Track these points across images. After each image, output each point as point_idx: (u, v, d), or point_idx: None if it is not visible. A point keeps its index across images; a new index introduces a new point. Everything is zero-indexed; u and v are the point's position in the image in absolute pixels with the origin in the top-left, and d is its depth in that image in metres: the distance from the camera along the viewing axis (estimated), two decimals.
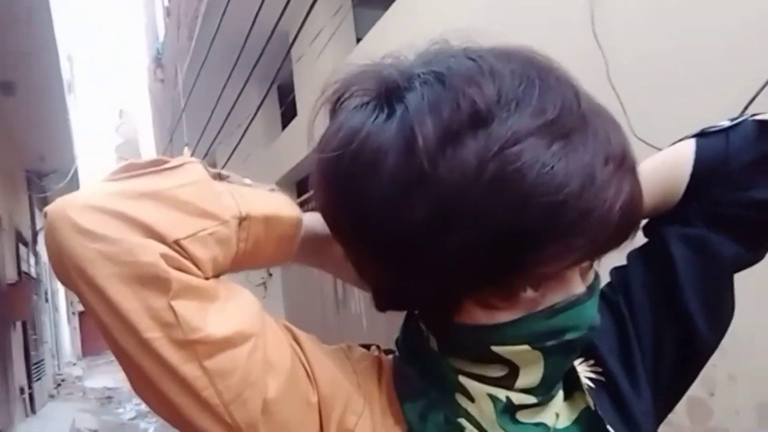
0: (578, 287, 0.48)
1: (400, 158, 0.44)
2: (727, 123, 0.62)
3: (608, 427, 0.53)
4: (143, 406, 8.43)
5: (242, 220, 0.47)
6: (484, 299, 0.47)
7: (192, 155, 6.82)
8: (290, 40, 5.80)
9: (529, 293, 0.47)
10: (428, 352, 0.54)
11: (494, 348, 0.48)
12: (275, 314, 0.53)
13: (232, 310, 0.45)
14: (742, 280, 2.22)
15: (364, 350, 0.58)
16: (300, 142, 6.91)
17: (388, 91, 0.48)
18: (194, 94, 7.91)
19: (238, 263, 0.49)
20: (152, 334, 0.42)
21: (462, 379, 0.52)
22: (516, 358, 0.49)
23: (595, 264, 0.51)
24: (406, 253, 0.46)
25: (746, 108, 2.12)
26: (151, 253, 0.41)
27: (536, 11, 3.05)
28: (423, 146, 0.43)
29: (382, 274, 0.50)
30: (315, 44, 5.78)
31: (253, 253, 0.50)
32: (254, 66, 5.71)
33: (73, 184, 11.09)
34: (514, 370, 0.50)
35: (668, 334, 0.59)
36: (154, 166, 0.46)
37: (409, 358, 0.56)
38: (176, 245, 0.42)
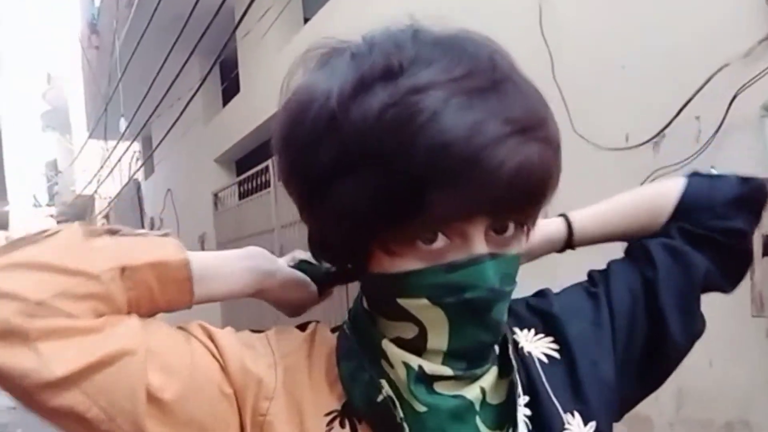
0: (481, 248, 0.49)
1: (320, 106, 0.49)
2: (715, 172, 0.72)
3: (519, 400, 0.55)
4: None
5: (123, 270, 0.50)
6: (386, 245, 0.50)
7: (128, 127, 6.56)
8: (236, 16, 5.65)
9: (430, 245, 0.49)
10: (363, 318, 0.58)
11: (399, 301, 0.52)
12: (211, 312, 0.55)
13: (109, 336, 0.48)
14: None
15: (293, 330, 0.63)
16: (242, 120, 6.77)
17: (328, 55, 0.54)
18: (132, 64, 7.60)
19: (147, 307, 0.53)
20: (26, 380, 0.46)
21: (384, 343, 0.55)
22: (420, 314, 0.51)
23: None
24: (319, 195, 0.50)
25: (682, 109, 2.23)
26: (5, 312, 0.45)
27: (485, 4, 3.08)
28: (337, 95, 0.48)
29: (310, 221, 0.56)
30: (261, 22, 5.65)
31: (151, 297, 0.53)
32: (198, 40, 5.53)
33: None
34: (422, 332, 0.52)
35: (642, 329, 0.64)
36: (36, 236, 0.51)
37: (353, 325, 0.60)
38: (41, 305, 0.46)
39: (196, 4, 5.27)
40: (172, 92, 6.73)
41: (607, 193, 2.92)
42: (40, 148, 24.22)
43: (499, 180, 0.46)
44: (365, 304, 0.58)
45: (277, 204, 6.16)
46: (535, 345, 0.62)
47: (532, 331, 0.63)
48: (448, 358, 0.53)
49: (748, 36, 2.01)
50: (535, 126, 0.49)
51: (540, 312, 0.65)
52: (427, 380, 0.53)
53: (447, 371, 0.53)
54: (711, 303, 2.49)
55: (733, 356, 2.11)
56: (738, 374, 2.10)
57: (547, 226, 0.71)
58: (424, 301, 0.50)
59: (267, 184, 6.36)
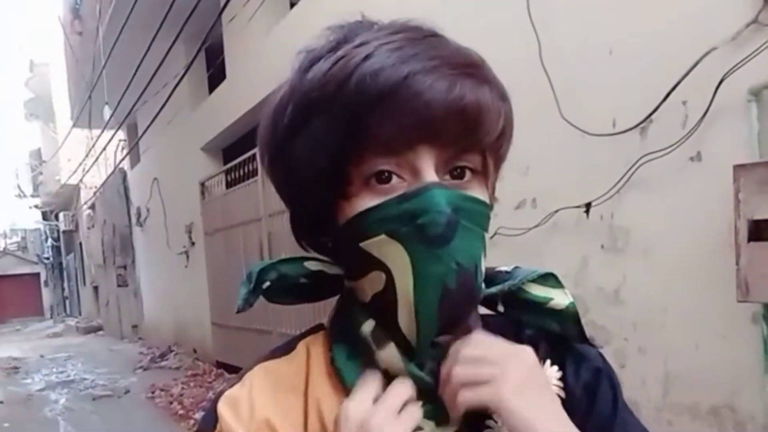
0: (429, 178, 0.51)
1: (287, 84, 0.56)
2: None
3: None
4: (53, 377, 8.10)
5: None
6: (344, 190, 0.53)
7: (112, 115, 6.49)
8: (222, 1, 5.58)
9: (384, 184, 0.51)
10: (347, 305, 0.59)
11: (362, 245, 0.53)
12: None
13: None
14: (657, 254, 2.34)
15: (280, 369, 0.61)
16: (228, 107, 6.70)
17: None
18: (116, 50, 7.49)
19: None
20: None
21: (364, 327, 0.56)
22: (382, 254, 0.52)
23: None
24: (282, 161, 0.55)
25: (669, 94, 2.23)
26: None
27: None
28: (295, 71, 0.55)
29: (285, 199, 0.59)
30: (247, 7, 5.58)
31: None
32: (183, 25, 5.46)
33: None
34: (389, 277, 0.52)
35: None
36: None
37: (336, 322, 0.61)
38: None
39: None
40: (157, 79, 6.65)
41: (594, 178, 2.94)
42: (23, 137, 23.90)
43: (428, 103, 0.49)
44: (345, 281, 0.59)
45: (265, 193, 6.12)
46: (549, 371, 0.59)
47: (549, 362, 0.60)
48: (423, 318, 0.52)
49: (734, 19, 2.01)
50: (466, 65, 0.52)
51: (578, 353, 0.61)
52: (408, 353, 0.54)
53: (404, 374, 0.54)
54: (697, 288, 2.50)
55: (719, 341, 2.13)
56: (724, 359, 2.12)
57: None
58: (383, 237, 0.51)
59: (254, 173, 6.32)
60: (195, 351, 8.65)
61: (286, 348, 0.62)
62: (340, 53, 0.52)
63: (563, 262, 2.62)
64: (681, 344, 2.25)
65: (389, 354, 0.55)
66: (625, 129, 2.39)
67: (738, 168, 1.91)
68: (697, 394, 2.20)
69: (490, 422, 0.55)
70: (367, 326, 0.56)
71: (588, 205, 2.54)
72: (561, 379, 0.59)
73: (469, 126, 0.51)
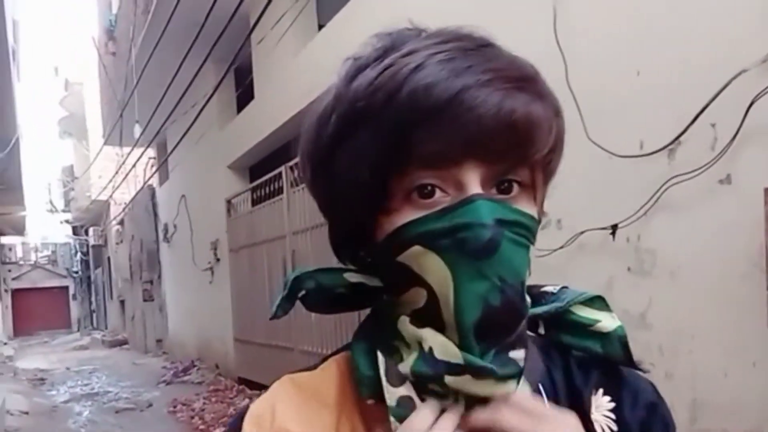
0: (474, 191, 0.49)
1: (331, 93, 0.54)
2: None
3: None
4: (78, 389, 8.19)
5: None
6: (385, 205, 0.51)
7: (143, 133, 6.63)
8: (251, 23, 5.70)
9: (427, 199, 0.50)
10: (382, 311, 0.57)
11: (398, 259, 0.51)
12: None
13: None
14: (685, 277, 2.30)
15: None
16: (256, 127, 6.80)
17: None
18: (147, 71, 7.68)
19: None
20: None
21: (401, 320, 0.53)
22: (421, 268, 0.50)
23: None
24: (325, 172, 0.54)
25: (697, 116, 2.21)
26: None
27: (499, 9, 3.07)
28: (341, 79, 0.54)
29: (326, 213, 0.57)
30: (276, 29, 5.69)
31: None
32: (213, 46, 5.58)
33: (14, 155, 10.62)
34: (430, 293, 0.50)
35: None
36: None
37: (364, 335, 0.58)
38: None
39: (210, 10, 5.32)
40: (187, 98, 6.79)
41: (621, 200, 2.91)
42: (56, 154, 24.50)
43: (479, 118, 0.47)
44: (384, 299, 0.57)
45: (290, 211, 6.17)
46: (599, 400, 0.58)
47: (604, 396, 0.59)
48: (466, 333, 0.49)
49: (765, 42, 1.99)
50: (520, 78, 0.50)
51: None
52: (435, 371, 0.49)
53: (457, 357, 0.48)
54: (726, 312, 2.46)
55: (748, 367, 2.08)
56: (753, 385, 2.06)
57: None
58: (418, 248, 0.49)
59: (280, 191, 6.38)
60: (217, 366, 8.68)
61: (316, 365, 0.61)
62: (387, 62, 0.50)
63: (588, 283, 2.58)
64: (709, 370, 2.20)
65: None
66: (653, 151, 2.37)
67: None
68: (727, 421, 2.14)
69: None
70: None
71: (614, 227, 2.51)
72: (613, 410, 0.57)
73: (519, 141, 0.49)
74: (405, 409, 0.51)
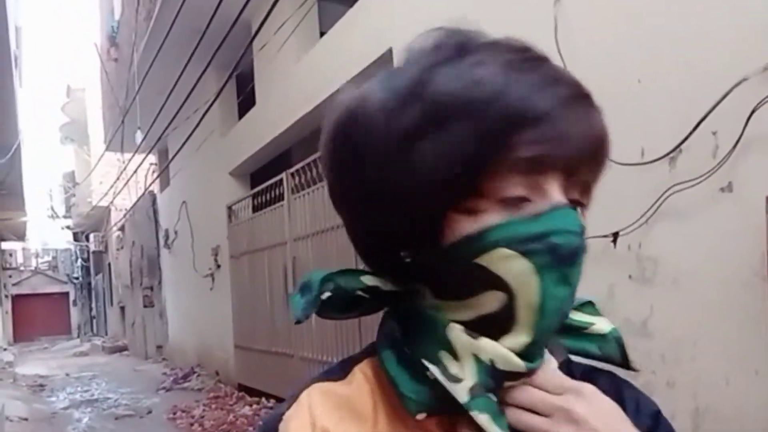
0: (560, 199, 0.50)
1: (404, 83, 0.51)
2: None
3: None
4: (77, 396, 8.18)
5: None
6: (468, 204, 0.49)
7: (144, 139, 6.62)
8: (253, 30, 5.71)
9: (515, 203, 0.49)
10: (420, 315, 0.55)
11: (478, 260, 0.49)
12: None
13: None
14: (686, 285, 2.29)
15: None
16: (257, 133, 6.81)
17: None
18: (149, 77, 7.70)
19: None
20: None
21: (450, 328, 0.52)
22: (505, 271, 0.49)
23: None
24: (392, 159, 0.50)
25: (698, 124, 2.21)
26: None
27: (500, 19, 3.08)
28: (422, 64, 0.51)
29: (369, 211, 0.53)
30: (278, 35, 5.71)
31: None
32: (215, 53, 5.59)
33: (15, 161, 10.64)
34: (510, 297, 0.49)
35: None
36: None
37: (391, 335, 0.56)
38: None
39: (212, 17, 5.34)
40: (188, 105, 6.80)
41: (622, 208, 2.92)
42: (58, 160, 24.54)
43: (576, 131, 0.49)
44: (428, 299, 0.54)
45: (290, 217, 6.17)
46: None
47: None
48: (539, 336, 0.50)
49: (766, 50, 1.99)
50: (589, 94, 0.53)
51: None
52: (496, 381, 0.50)
53: (520, 365, 0.50)
54: (728, 320, 2.44)
55: (750, 375, 2.07)
56: (755, 393, 2.05)
57: None
58: (506, 251, 0.48)
59: (280, 198, 6.38)
60: (217, 373, 8.66)
61: (340, 372, 0.58)
62: (474, 59, 0.50)
63: (589, 291, 2.56)
64: (711, 378, 2.19)
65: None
66: (654, 159, 2.37)
67: None
68: (729, 430, 2.13)
69: None
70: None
71: (615, 235, 2.51)
72: None
73: (599, 155, 0.52)
74: (480, 396, 0.51)
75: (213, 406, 7.02)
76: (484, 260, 0.49)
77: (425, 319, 0.54)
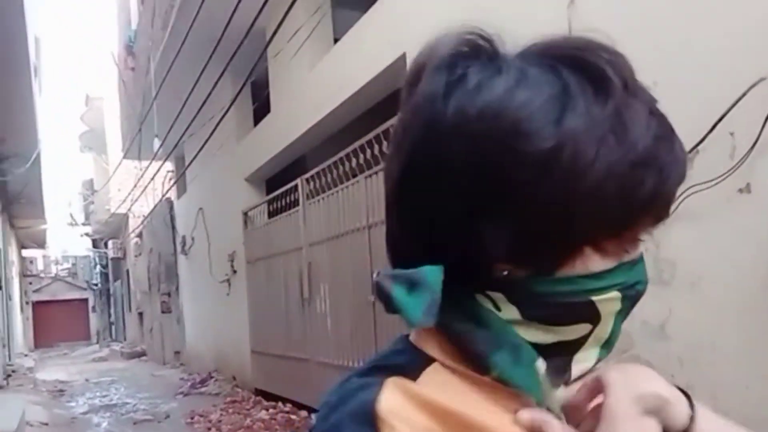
0: (641, 249, 0.56)
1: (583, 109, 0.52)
2: None
3: None
4: (96, 401, 8.25)
5: None
6: (603, 245, 0.51)
7: (161, 147, 6.67)
8: (267, 37, 5.76)
9: (632, 251, 0.54)
10: (493, 327, 0.52)
11: (593, 297, 0.52)
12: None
13: None
14: (705, 287, 2.27)
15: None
16: (272, 140, 6.86)
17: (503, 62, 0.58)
18: (166, 85, 7.79)
19: None
20: None
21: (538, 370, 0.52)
22: (604, 309, 0.53)
23: None
24: (569, 175, 0.47)
25: (716, 125, 2.19)
26: None
27: (513, 19, 3.07)
28: (581, 99, 0.52)
29: (485, 223, 0.49)
30: (292, 42, 5.75)
31: None
32: (230, 60, 5.65)
33: (35, 170, 10.81)
34: (593, 329, 0.53)
35: None
36: None
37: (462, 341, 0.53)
38: None
39: (227, 25, 5.39)
40: (204, 112, 6.87)
41: None
42: (77, 168, 24.87)
43: (671, 200, 0.54)
44: (510, 315, 0.52)
45: (306, 222, 6.20)
46: None
47: None
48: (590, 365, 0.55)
49: None
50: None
51: None
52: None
53: (591, 359, 0.55)
54: (747, 323, 2.41)
55: None
56: None
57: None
58: (617, 294, 0.53)
59: (296, 203, 6.41)
60: (234, 378, 8.70)
61: (410, 369, 0.52)
62: (648, 108, 0.58)
63: None
64: (730, 382, 2.17)
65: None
66: None
67: None
68: None
69: None
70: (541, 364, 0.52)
71: None
72: None
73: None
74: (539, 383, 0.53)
75: (230, 410, 7.05)
76: (598, 298, 0.52)
77: (500, 333, 0.52)
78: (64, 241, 27.84)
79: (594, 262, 0.51)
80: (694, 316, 2.31)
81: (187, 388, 9.06)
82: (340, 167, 5.33)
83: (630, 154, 0.50)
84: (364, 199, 4.92)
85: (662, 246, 2.42)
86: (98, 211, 18.78)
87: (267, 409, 6.69)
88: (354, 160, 5.02)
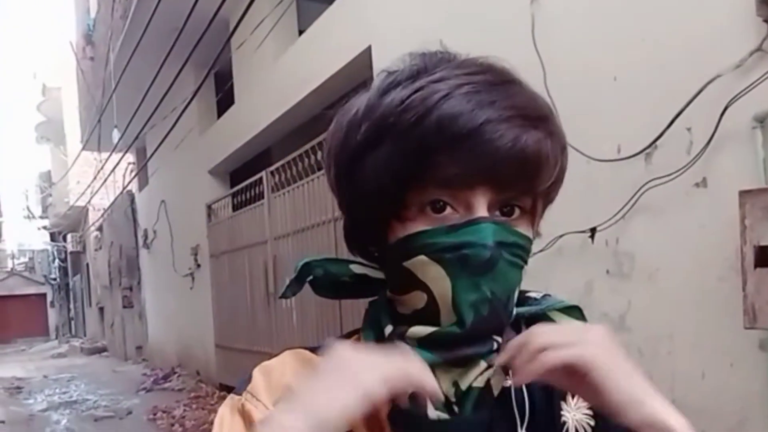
0: (481, 213, 0.55)
1: (360, 105, 0.59)
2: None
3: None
4: (55, 398, 8.08)
5: None
6: (400, 213, 0.57)
7: (121, 138, 6.53)
8: (231, 27, 5.67)
9: (438, 213, 0.56)
10: (384, 312, 0.62)
11: (405, 264, 0.57)
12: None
13: None
14: (663, 279, 2.33)
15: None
16: (236, 132, 6.76)
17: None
18: (126, 75, 7.60)
19: None
20: None
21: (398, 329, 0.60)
22: (424, 275, 0.56)
23: None
24: (351, 172, 0.58)
25: (673, 120, 2.24)
26: None
27: (477, 16, 3.10)
28: (374, 90, 0.59)
29: (344, 203, 0.62)
30: (256, 33, 5.67)
31: None
32: (192, 51, 5.54)
33: None
34: (431, 297, 0.56)
35: None
36: None
37: (372, 319, 0.64)
38: None
39: (189, 14, 5.29)
40: (166, 103, 6.73)
41: (599, 204, 2.94)
42: (33, 160, 24.14)
43: (496, 150, 0.53)
44: (387, 295, 0.63)
45: (271, 216, 6.15)
46: (575, 402, 0.63)
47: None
48: (462, 332, 0.56)
49: (739, 47, 2.03)
50: (536, 117, 0.56)
51: None
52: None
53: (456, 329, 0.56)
54: (704, 314, 2.48)
55: (726, 368, 2.11)
56: (731, 386, 2.09)
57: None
58: (423, 258, 0.56)
59: (260, 196, 6.35)
60: (198, 373, 8.60)
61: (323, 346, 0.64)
62: (419, 84, 0.55)
63: (568, 287, 2.61)
64: (687, 371, 2.23)
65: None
66: (630, 155, 2.40)
67: (744, 194, 1.92)
68: (704, 422, 2.17)
69: (563, 404, 0.61)
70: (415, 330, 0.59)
71: (593, 230, 2.54)
72: (595, 416, 0.63)
73: (527, 174, 0.55)
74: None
75: (194, 406, 6.97)
76: (410, 264, 0.57)
77: (383, 308, 0.62)
78: (21, 234, 27.05)
79: (398, 230, 0.57)
80: (652, 308, 2.37)
81: (149, 384, 8.92)
82: (306, 160, 5.29)
83: (375, 134, 0.57)
84: (330, 192, 4.88)
85: (621, 239, 2.47)
86: (56, 204, 18.28)
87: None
88: (319, 153, 4.99)
